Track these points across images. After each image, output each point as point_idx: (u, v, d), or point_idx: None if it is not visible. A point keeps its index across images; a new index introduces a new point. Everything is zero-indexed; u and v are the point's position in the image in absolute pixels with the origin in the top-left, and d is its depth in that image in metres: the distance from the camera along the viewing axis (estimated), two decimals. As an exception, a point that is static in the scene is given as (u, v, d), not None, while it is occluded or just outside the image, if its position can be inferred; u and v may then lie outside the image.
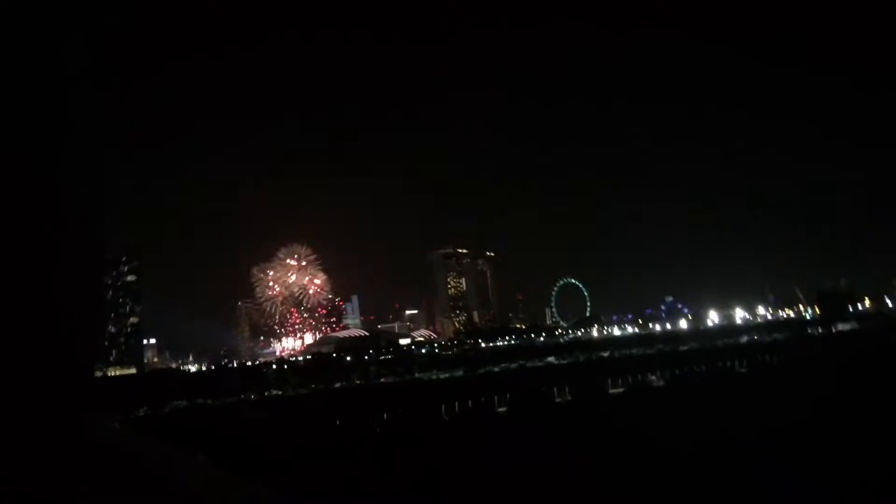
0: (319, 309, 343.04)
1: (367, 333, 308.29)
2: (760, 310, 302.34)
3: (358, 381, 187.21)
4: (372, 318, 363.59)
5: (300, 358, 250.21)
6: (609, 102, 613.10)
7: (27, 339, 5.68)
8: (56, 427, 5.53)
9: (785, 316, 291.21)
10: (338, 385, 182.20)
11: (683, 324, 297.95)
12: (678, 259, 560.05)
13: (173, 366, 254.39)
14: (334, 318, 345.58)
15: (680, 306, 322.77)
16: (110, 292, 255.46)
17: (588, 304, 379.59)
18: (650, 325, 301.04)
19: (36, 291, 5.79)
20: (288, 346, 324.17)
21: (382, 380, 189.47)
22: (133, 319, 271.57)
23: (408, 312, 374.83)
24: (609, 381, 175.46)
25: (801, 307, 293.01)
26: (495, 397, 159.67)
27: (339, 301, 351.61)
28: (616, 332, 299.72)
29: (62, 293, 5.94)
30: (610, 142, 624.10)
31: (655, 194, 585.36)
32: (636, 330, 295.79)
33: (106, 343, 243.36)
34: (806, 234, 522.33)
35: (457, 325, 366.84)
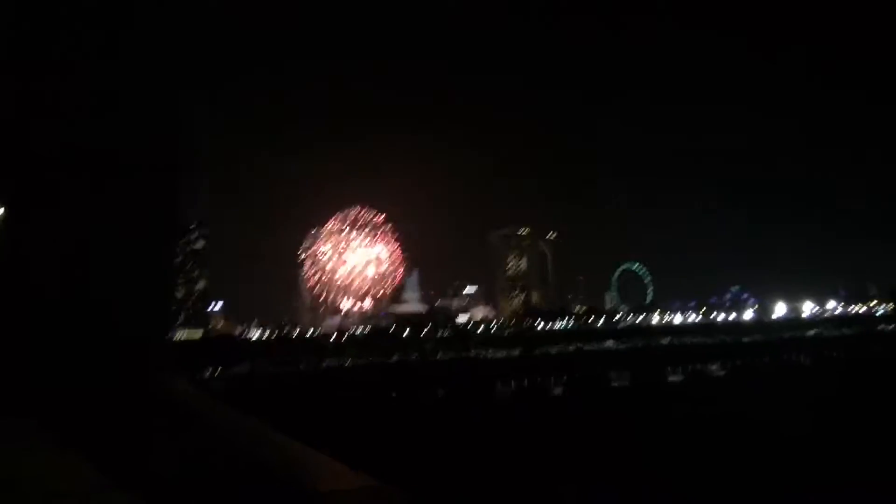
0: (380, 282, 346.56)
1: (425, 309, 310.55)
2: (831, 304, 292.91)
3: (414, 356, 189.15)
4: (432, 293, 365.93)
5: (359, 329, 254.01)
6: (681, 91, 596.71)
7: (110, 302, 5.99)
8: (136, 383, 5.85)
9: (856, 311, 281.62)
10: (395, 358, 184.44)
11: (748, 315, 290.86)
12: (747, 249, 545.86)
13: (237, 331, 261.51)
14: (393, 293, 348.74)
15: (746, 297, 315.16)
16: (180, 258, 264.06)
17: (650, 289, 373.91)
18: (713, 315, 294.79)
19: (121, 258, 6.09)
20: (348, 317, 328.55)
21: (439, 356, 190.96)
22: (200, 285, 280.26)
23: (466, 290, 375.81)
24: (668, 368, 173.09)
25: (873, 303, 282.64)
26: (551, 378, 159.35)
27: (399, 277, 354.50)
28: (677, 319, 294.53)
29: (145, 259, 6.24)
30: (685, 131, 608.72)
31: (727, 186, 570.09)
32: (698, 318, 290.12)
33: (174, 307, 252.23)
34: (883, 230, 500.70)
35: (515, 305, 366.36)
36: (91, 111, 4.87)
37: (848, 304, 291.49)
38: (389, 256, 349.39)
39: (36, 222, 4.84)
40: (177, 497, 4.18)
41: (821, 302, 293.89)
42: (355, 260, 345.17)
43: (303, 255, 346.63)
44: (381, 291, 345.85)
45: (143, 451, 4.45)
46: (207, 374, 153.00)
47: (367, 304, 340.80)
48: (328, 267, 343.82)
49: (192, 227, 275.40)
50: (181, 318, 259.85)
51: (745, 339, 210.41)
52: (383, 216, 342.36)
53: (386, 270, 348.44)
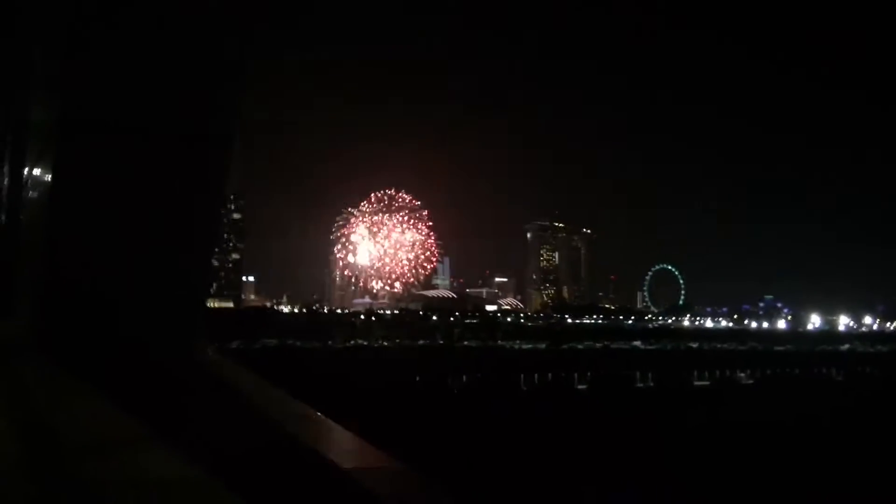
0: (412, 267, 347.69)
1: (455, 296, 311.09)
2: (867, 319, 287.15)
3: (441, 341, 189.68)
4: (461, 280, 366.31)
5: (388, 311, 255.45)
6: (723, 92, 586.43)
7: (155, 267, 6.10)
8: (174, 349, 5.96)
9: (893, 328, 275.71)
10: (421, 342, 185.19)
11: (781, 324, 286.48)
12: (784, 259, 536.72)
13: (268, 304, 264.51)
14: (424, 277, 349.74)
15: (780, 306, 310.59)
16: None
17: (682, 292, 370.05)
18: (745, 322, 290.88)
19: (167, 224, 6.19)
20: (377, 298, 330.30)
21: (465, 343, 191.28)
22: (235, 256, 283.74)
23: (497, 280, 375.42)
24: (695, 372, 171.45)
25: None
26: (576, 374, 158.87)
27: (432, 264, 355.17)
28: (708, 323, 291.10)
29: (189, 227, 6.33)
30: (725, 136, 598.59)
31: (768, 193, 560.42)
32: (730, 324, 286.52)
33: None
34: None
35: (545, 297, 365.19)
36: (139, 78, 4.95)
37: (885, 320, 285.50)
38: (423, 243, 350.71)
39: (83, 191, 4.95)
40: (209, 453, 4.27)
41: (857, 316, 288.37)
42: (388, 243, 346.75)
43: (336, 234, 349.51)
44: (412, 277, 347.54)
45: (180, 409, 4.56)
46: (236, 344, 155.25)
47: (398, 287, 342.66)
48: (360, 247, 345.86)
49: (231, 196, 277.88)
50: (213, 287, 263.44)
51: (777, 349, 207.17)
52: (418, 202, 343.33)
53: (418, 255, 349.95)
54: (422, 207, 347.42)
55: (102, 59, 5.37)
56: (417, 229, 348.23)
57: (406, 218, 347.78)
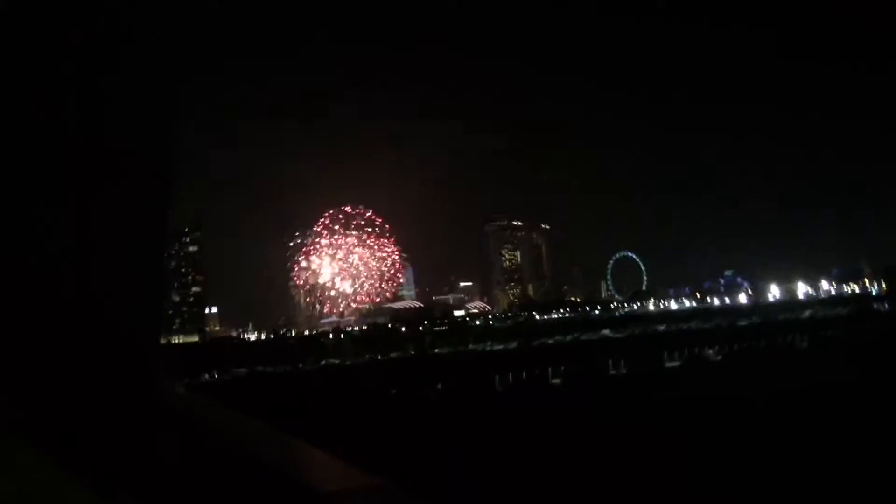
0: (377, 281, 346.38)
1: (422, 305, 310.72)
2: (824, 285, 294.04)
3: (413, 352, 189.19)
4: (427, 289, 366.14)
5: (356, 328, 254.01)
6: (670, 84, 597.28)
7: (102, 306, 5.93)
8: (129, 392, 5.78)
9: (850, 291, 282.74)
10: (393, 355, 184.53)
11: (743, 298, 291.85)
12: (738, 233, 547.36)
13: (234, 334, 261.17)
14: (390, 290, 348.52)
15: (739, 281, 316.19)
16: (174, 262, 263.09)
17: (645, 277, 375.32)
18: (708, 299, 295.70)
19: (114, 261, 6.01)
20: (344, 316, 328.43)
21: (437, 350, 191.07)
22: (195, 289, 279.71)
23: (462, 284, 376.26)
24: (665, 354, 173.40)
25: (867, 282, 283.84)
26: (549, 369, 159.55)
27: (398, 275, 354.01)
28: (673, 305, 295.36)
29: (129, 264, 6.17)
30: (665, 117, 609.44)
31: (715, 168, 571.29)
32: (693, 304, 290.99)
33: (170, 311, 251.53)
34: (873, 208, 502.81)
35: (511, 297, 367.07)
36: (80, 110, 4.78)
37: (841, 283, 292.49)
38: (386, 255, 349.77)
39: (31, 224, 4.75)
40: (181, 502, 4.08)
41: (814, 283, 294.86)
42: (348, 260, 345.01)
43: (293, 259, 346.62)
44: (377, 292, 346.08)
45: (144, 458, 4.34)
46: (205, 377, 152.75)
47: (364, 299, 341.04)
48: (322, 268, 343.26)
49: (185, 230, 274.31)
50: (177, 322, 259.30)
51: (741, 323, 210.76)
52: (371, 213, 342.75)
53: (383, 271, 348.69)
54: (378, 219, 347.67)
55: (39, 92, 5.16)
56: (380, 245, 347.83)
57: (366, 234, 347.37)
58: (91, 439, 4.59)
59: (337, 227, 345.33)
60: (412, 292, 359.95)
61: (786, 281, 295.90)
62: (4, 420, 4.56)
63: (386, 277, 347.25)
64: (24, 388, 5.01)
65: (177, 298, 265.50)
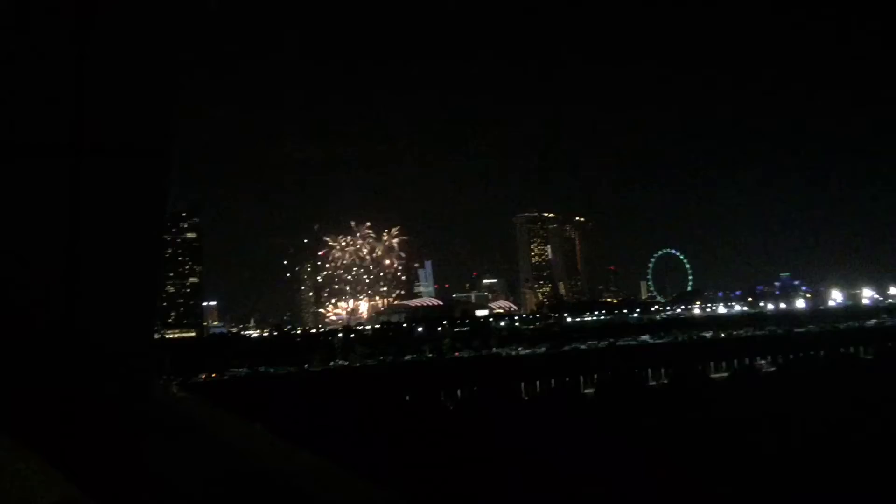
0: (391, 272, 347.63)
1: (440, 303, 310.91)
2: (893, 290, 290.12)
3: (430, 355, 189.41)
4: (447, 286, 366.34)
5: (368, 327, 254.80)
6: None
7: (89, 300, 6.01)
8: (119, 391, 5.89)
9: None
10: (408, 357, 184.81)
11: (800, 304, 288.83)
12: (798, 233, 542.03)
13: (234, 330, 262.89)
14: (404, 286, 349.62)
15: (797, 284, 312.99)
16: (169, 250, 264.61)
17: (690, 277, 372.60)
18: (761, 304, 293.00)
19: (104, 251, 6.10)
20: (355, 313, 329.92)
21: (457, 353, 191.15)
22: (193, 280, 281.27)
23: (486, 281, 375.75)
24: (711, 364, 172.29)
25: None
26: (581, 377, 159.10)
27: (413, 265, 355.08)
28: (721, 309, 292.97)
29: (121, 251, 6.26)
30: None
31: (772, 159, 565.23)
32: (745, 308, 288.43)
33: (164, 304, 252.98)
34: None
35: (540, 296, 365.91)
36: (67, 90, 4.89)
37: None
38: (399, 250, 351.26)
39: (7, 217, 4.87)
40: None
41: (881, 288, 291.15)
42: (363, 254, 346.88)
43: (304, 250, 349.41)
44: (393, 284, 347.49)
45: (137, 468, 4.46)
46: (202, 377, 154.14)
47: (377, 299, 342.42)
48: (334, 261, 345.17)
49: (182, 214, 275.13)
50: (172, 316, 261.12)
51: (798, 331, 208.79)
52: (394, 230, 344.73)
53: (398, 263, 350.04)
54: (397, 221, 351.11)
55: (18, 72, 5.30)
56: (393, 238, 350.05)
57: (380, 231, 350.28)
58: (78, 441, 4.70)
59: (352, 221, 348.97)
60: (430, 289, 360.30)
61: (849, 286, 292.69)
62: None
63: (400, 275, 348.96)
64: (11, 388, 5.15)
65: (172, 290, 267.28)
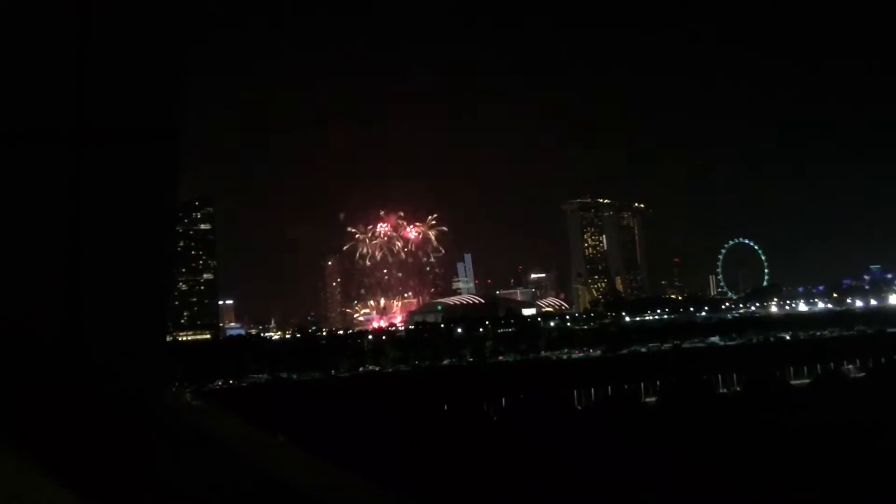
0: (427, 268, 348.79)
1: (482, 300, 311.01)
2: None
3: (471, 359, 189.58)
4: (489, 281, 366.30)
5: (401, 328, 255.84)
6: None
7: (93, 297, 6.05)
8: (129, 399, 5.92)
9: None
10: (446, 362, 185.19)
11: (894, 300, 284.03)
12: (890, 220, 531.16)
13: (253, 332, 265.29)
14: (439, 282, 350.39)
15: (889, 277, 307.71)
16: (182, 242, 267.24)
17: (766, 271, 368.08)
18: (848, 301, 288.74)
19: (110, 244, 6.12)
20: (387, 312, 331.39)
21: (501, 358, 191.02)
22: (207, 276, 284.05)
23: (533, 276, 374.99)
24: (791, 369, 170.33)
25: None
26: (642, 384, 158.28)
27: (451, 258, 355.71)
28: (802, 307, 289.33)
29: (138, 246, 6.30)
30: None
31: (860, 140, 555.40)
32: (829, 305, 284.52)
33: (176, 303, 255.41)
34: None
35: (595, 293, 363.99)
36: (68, 70, 4.93)
37: None
38: (436, 241, 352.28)
39: (9, 205, 4.91)
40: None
41: None
42: (396, 248, 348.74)
43: (331, 242, 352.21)
44: (429, 280, 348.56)
45: (144, 481, 4.46)
46: (218, 383, 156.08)
47: (410, 296, 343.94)
48: (362, 256, 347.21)
49: (195, 203, 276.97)
50: (185, 317, 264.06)
51: (891, 331, 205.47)
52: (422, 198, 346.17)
53: (431, 257, 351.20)
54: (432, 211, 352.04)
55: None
56: (429, 230, 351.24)
57: (416, 222, 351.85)
58: (81, 453, 4.74)
59: (384, 214, 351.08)
60: (470, 285, 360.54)
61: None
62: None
63: (436, 268, 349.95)
64: (8, 394, 5.22)
65: (184, 287, 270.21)
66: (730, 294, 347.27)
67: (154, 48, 5.62)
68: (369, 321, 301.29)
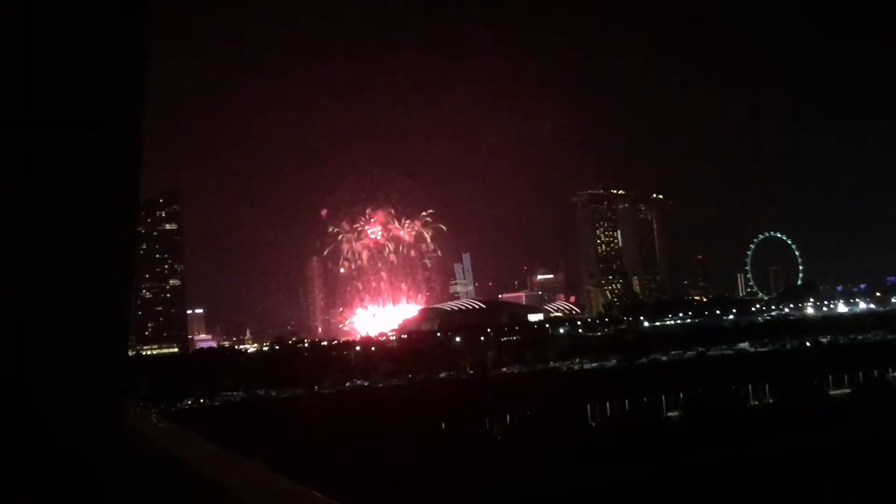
0: (419, 268, 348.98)
1: (482, 305, 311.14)
2: None
3: (471, 371, 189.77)
4: (490, 284, 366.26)
5: (393, 337, 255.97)
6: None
7: (48, 307, 6.10)
8: (86, 419, 5.97)
9: None
10: (443, 375, 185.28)
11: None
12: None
13: (226, 344, 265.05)
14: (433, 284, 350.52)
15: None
16: (144, 244, 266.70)
17: (801, 268, 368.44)
18: (893, 300, 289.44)
19: (66, 245, 6.16)
20: (376, 319, 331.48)
21: (505, 369, 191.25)
22: (174, 282, 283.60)
23: (540, 278, 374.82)
24: (829, 377, 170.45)
25: None
26: (663, 397, 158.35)
27: (446, 258, 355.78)
28: (841, 307, 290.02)
29: (84, 245, 6.34)
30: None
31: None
32: (871, 306, 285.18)
33: (139, 313, 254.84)
34: None
35: (609, 295, 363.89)
36: (16, 54, 5.01)
37: None
38: (430, 240, 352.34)
39: None
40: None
41: None
42: (386, 249, 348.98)
43: (313, 243, 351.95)
44: (423, 283, 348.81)
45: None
46: (188, 402, 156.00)
47: (403, 301, 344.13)
48: (348, 258, 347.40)
49: (159, 200, 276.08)
50: (149, 328, 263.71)
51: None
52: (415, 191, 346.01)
53: (424, 257, 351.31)
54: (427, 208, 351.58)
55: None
56: (423, 228, 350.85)
57: (407, 219, 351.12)
58: (29, 490, 4.81)
59: (368, 211, 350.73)
60: (469, 288, 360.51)
61: None
62: None
63: (430, 270, 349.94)
64: None
65: (148, 295, 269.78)
66: (760, 295, 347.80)
67: (114, 32, 5.71)
68: (357, 331, 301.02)
